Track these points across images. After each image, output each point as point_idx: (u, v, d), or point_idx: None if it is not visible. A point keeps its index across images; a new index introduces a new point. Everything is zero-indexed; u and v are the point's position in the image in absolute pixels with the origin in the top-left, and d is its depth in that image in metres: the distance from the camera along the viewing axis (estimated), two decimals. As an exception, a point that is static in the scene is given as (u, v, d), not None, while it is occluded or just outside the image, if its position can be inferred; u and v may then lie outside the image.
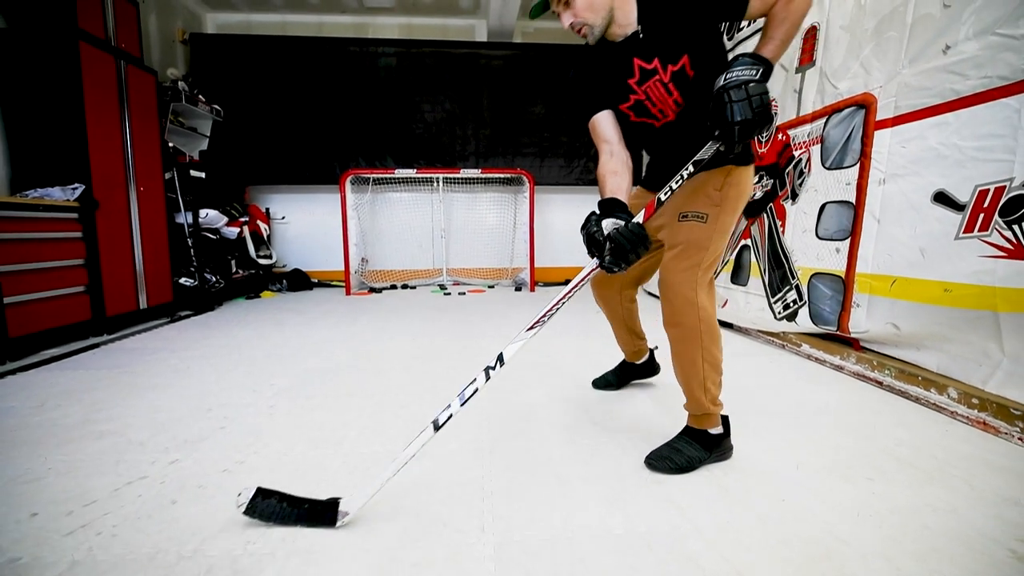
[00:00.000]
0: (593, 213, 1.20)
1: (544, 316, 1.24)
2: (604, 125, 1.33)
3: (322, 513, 1.10)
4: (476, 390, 1.20)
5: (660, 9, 1.22)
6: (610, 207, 1.20)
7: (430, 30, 5.43)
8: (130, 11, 3.32)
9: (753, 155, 1.35)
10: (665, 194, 1.20)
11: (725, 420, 1.40)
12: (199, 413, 1.75)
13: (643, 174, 1.55)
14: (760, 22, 1.43)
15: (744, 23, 3.16)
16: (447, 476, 1.32)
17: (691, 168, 1.20)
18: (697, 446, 1.35)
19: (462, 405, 1.19)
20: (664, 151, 1.40)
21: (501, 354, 1.25)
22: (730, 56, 1.21)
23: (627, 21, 1.24)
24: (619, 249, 1.11)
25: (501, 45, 5.29)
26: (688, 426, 1.40)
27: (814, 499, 1.20)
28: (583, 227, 1.20)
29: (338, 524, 1.09)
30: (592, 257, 1.19)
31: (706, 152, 1.19)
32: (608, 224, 1.16)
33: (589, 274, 1.22)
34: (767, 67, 1.10)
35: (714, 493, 1.23)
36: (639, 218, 1.18)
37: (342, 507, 1.10)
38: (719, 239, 1.31)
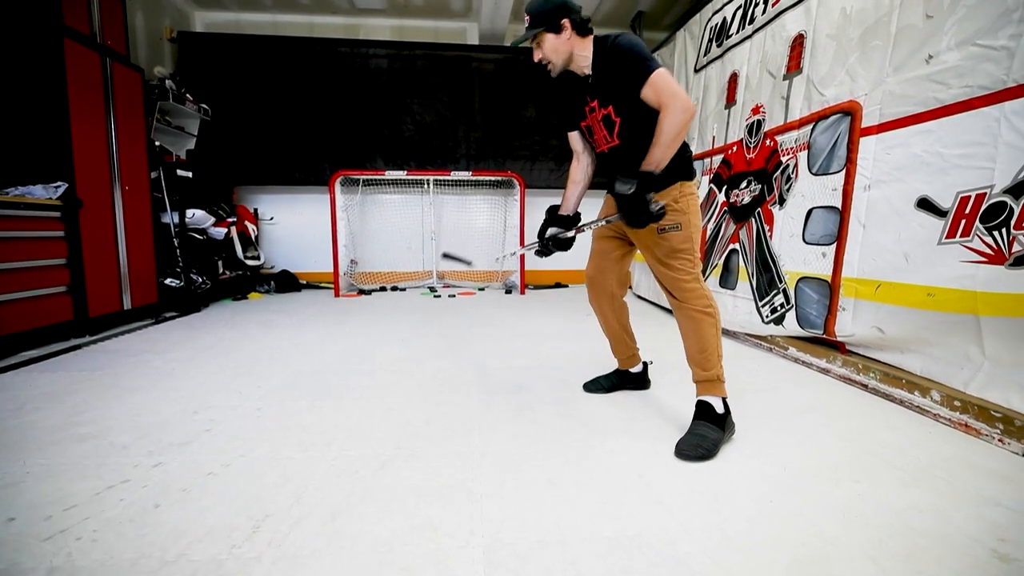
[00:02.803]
0: (550, 210, 1.76)
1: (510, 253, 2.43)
2: (575, 139, 1.79)
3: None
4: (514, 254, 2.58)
5: (599, 66, 1.54)
6: (553, 216, 1.76)
7: (422, 32, 5.42)
8: (116, 8, 3.27)
9: (694, 169, 1.62)
10: (593, 226, 1.62)
11: (724, 402, 1.56)
12: (184, 416, 1.72)
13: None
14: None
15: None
16: (437, 480, 1.31)
17: (604, 223, 1.59)
18: (714, 427, 1.50)
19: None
20: (603, 169, 1.76)
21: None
22: None
23: (584, 64, 1.56)
24: (544, 251, 1.74)
25: (492, 48, 5.30)
26: (699, 402, 1.56)
27: (802, 501, 1.21)
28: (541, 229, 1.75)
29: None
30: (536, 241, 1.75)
31: (617, 219, 1.50)
32: (551, 232, 1.73)
33: (530, 246, 1.79)
34: (644, 180, 1.37)
35: (703, 495, 1.24)
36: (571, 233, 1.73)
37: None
38: (696, 235, 1.58)
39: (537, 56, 1.56)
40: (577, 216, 1.78)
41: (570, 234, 1.71)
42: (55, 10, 2.77)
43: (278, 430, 1.61)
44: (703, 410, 1.54)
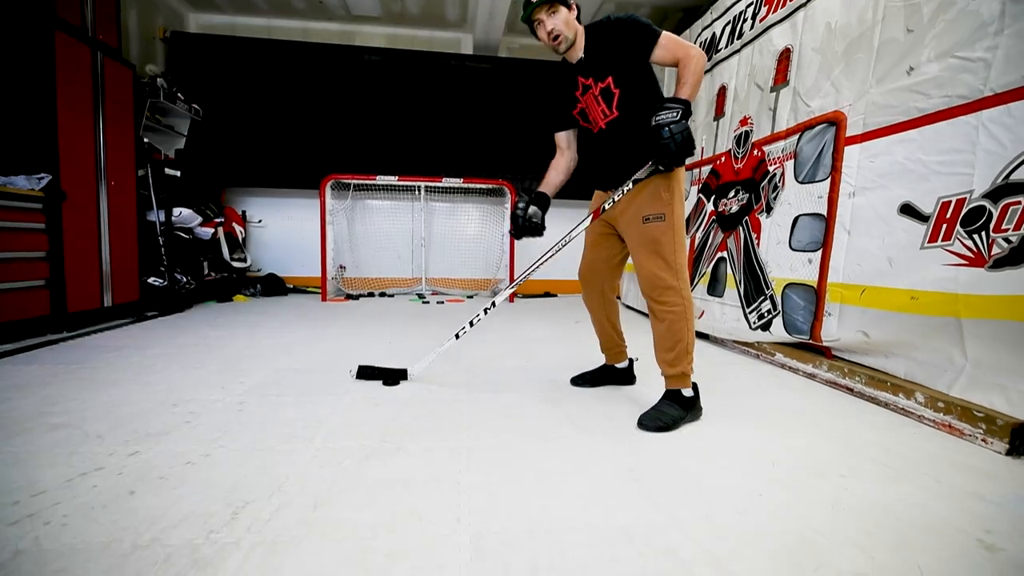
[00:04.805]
0: (522, 196, 1.80)
1: (524, 276, 1.90)
2: (560, 136, 1.86)
3: (398, 373, 2.01)
4: (479, 319, 1.94)
5: (594, 42, 1.61)
6: (539, 197, 1.82)
7: (416, 41, 5.48)
8: (110, 3, 3.26)
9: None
10: (609, 204, 1.66)
11: (695, 386, 1.66)
12: (163, 408, 1.67)
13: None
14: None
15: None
16: (423, 472, 1.28)
17: (630, 185, 1.60)
18: (677, 407, 1.61)
19: (471, 326, 1.95)
20: (598, 153, 1.75)
21: (493, 302, 1.92)
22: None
23: (581, 46, 1.64)
24: (520, 232, 1.76)
25: (486, 59, 5.36)
26: (667, 390, 1.66)
27: (789, 494, 1.21)
28: (513, 204, 1.84)
29: (408, 379, 2.00)
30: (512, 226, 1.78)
31: (643, 172, 1.58)
32: (531, 211, 1.76)
33: (510, 231, 1.86)
34: (686, 107, 1.44)
35: (692, 489, 1.23)
36: (587, 222, 1.77)
37: (411, 371, 2.02)
38: (679, 229, 1.62)
39: (549, 26, 1.58)
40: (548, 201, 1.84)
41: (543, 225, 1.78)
42: (48, 1, 2.74)
43: (260, 423, 1.57)
44: (670, 392, 1.65)
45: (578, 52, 1.64)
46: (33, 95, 2.73)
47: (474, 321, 1.93)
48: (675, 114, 1.42)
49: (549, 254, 1.82)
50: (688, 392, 1.64)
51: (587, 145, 1.79)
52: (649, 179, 1.59)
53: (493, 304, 1.90)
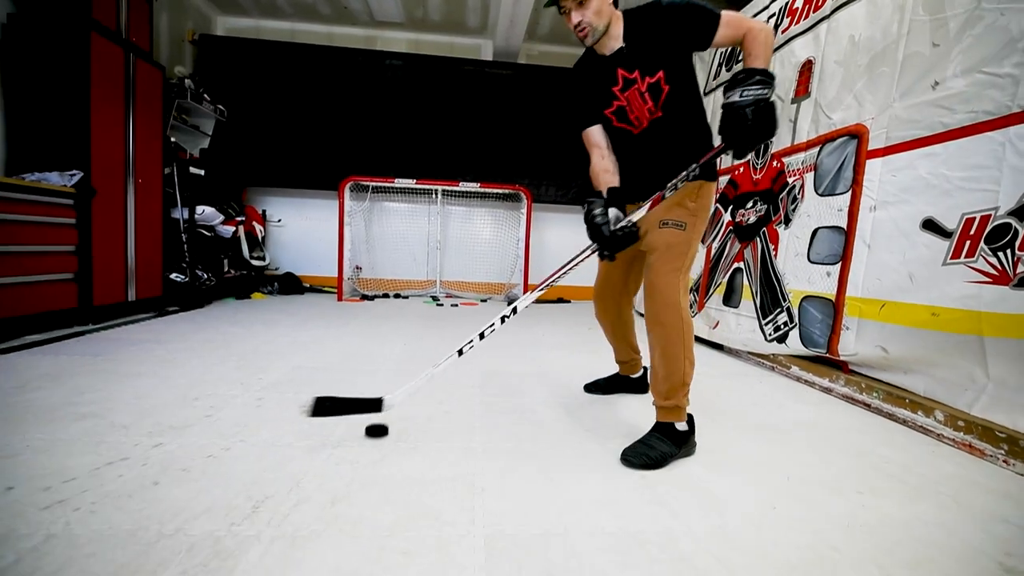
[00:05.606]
0: (596, 201, 1.42)
1: (551, 279, 1.57)
2: (596, 134, 1.56)
3: (370, 404, 1.48)
4: (494, 330, 1.56)
5: (642, 30, 1.42)
6: (615, 196, 1.46)
7: (438, 47, 5.55)
8: (143, 7, 3.37)
9: (717, 173, 1.55)
10: (671, 190, 1.38)
11: (690, 419, 1.48)
12: (185, 401, 1.71)
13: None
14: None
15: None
16: (437, 472, 1.30)
17: (696, 170, 1.37)
18: (668, 442, 1.42)
19: (481, 339, 1.55)
20: (638, 157, 1.55)
21: (515, 307, 1.56)
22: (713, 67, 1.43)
23: (616, 34, 1.44)
24: (616, 243, 1.37)
25: (506, 65, 5.41)
26: (658, 422, 1.48)
27: (805, 508, 1.20)
28: (587, 214, 1.41)
29: (383, 409, 1.46)
30: (592, 241, 1.42)
31: (713, 157, 1.38)
32: (612, 215, 1.40)
33: (588, 255, 1.47)
34: (774, 82, 1.27)
35: (705, 499, 1.23)
36: (643, 211, 1.41)
37: (387, 400, 1.48)
38: (695, 243, 1.48)
39: (576, 18, 1.39)
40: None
41: (635, 218, 1.40)
42: (84, 4, 2.84)
43: (279, 420, 1.60)
44: (661, 425, 1.46)
45: (614, 41, 1.44)
46: (68, 94, 2.83)
47: (485, 333, 1.55)
48: (767, 90, 1.23)
49: (571, 265, 1.52)
50: (682, 426, 1.44)
51: (621, 150, 1.57)
52: (679, 189, 1.40)
53: (504, 318, 1.56)
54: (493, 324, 1.54)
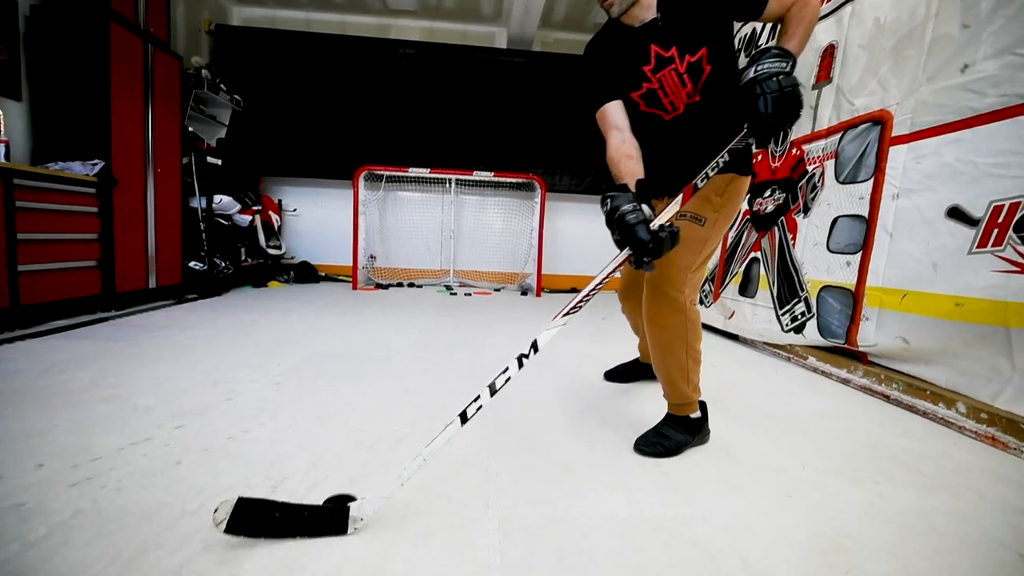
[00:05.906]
0: (621, 196, 1.12)
1: (577, 303, 1.23)
2: (615, 113, 1.31)
3: (329, 519, 0.94)
4: (508, 379, 1.13)
5: (681, 3, 1.23)
6: (644, 192, 1.17)
7: (451, 35, 5.52)
8: (161, -3, 3.40)
9: (752, 168, 1.37)
10: (702, 180, 1.19)
11: (703, 405, 1.44)
12: (205, 386, 1.75)
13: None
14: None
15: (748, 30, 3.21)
16: (450, 456, 1.31)
17: (726, 156, 1.19)
18: (681, 431, 1.40)
19: (492, 396, 1.12)
20: (667, 146, 1.36)
21: (535, 341, 1.18)
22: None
23: (649, 3, 1.25)
24: (658, 247, 1.07)
25: (520, 53, 5.36)
26: (670, 413, 1.44)
27: (821, 497, 1.19)
28: (612, 212, 1.11)
29: (350, 531, 0.94)
30: (621, 248, 1.14)
31: (738, 143, 1.20)
32: (648, 213, 1.11)
33: (621, 263, 1.18)
34: (794, 60, 1.13)
35: (720, 487, 1.22)
36: (674, 206, 1.18)
37: (353, 512, 0.95)
38: (713, 242, 1.35)
39: None
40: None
41: (664, 218, 1.16)
42: (104, -5, 2.88)
43: (296, 404, 1.63)
44: (673, 415, 1.43)
45: (646, 12, 1.25)
46: (89, 85, 2.87)
47: (498, 385, 1.15)
48: (784, 63, 1.10)
49: (602, 281, 1.23)
50: (695, 414, 1.41)
51: (649, 139, 1.34)
52: (709, 179, 1.21)
53: (522, 359, 1.17)
54: (507, 370, 1.14)
